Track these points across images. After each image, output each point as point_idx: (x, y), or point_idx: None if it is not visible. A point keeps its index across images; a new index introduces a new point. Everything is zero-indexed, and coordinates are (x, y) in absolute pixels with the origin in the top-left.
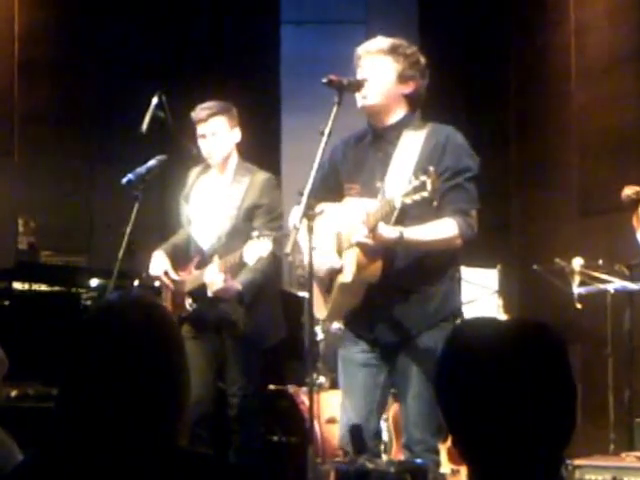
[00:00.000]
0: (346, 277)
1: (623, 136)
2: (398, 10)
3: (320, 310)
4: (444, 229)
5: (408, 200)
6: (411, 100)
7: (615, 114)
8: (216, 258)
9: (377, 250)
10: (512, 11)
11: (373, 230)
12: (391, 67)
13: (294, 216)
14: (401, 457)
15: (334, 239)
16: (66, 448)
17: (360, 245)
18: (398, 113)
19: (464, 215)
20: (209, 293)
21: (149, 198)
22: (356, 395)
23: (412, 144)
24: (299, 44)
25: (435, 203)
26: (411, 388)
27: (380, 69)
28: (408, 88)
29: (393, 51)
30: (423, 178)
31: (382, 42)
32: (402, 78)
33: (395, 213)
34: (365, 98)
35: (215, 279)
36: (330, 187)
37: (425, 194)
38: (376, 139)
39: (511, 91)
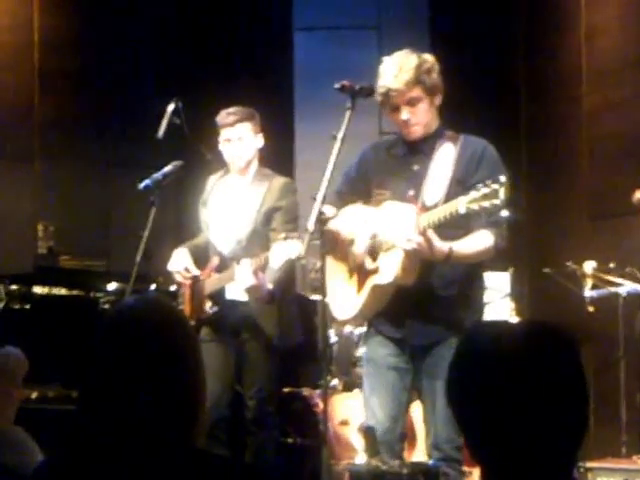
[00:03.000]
0: (383, 279)
1: (634, 139)
2: (410, 16)
3: (343, 311)
4: (483, 242)
5: (475, 206)
6: (439, 107)
7: (625, 117)
8: (247, 259)
9: (423, 255)
10: (523, 15)
11: (423, 234)
12: (423, 94)
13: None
14: (413, 459)
15: (370, 241)
16: (86, 449)
17: (409, 248)
18: (431, 126)
19: (497, 227)
20: (234, 292)
21: (166, 203)
22: (386, 396)
23: (447, 155)
24: (312, 50)
25: (505, 212)
26: (438, 390)
27: (415, 102)
28: (438, 99)
29: (419, 77)
30: (495, 186)
31: (406, 73)
32: (433, 95)
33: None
34: (411, 134)
35: (248, 276)
36: (357, 190)
37: (497, 202)
38: (410, 150)
39: (522, 95)
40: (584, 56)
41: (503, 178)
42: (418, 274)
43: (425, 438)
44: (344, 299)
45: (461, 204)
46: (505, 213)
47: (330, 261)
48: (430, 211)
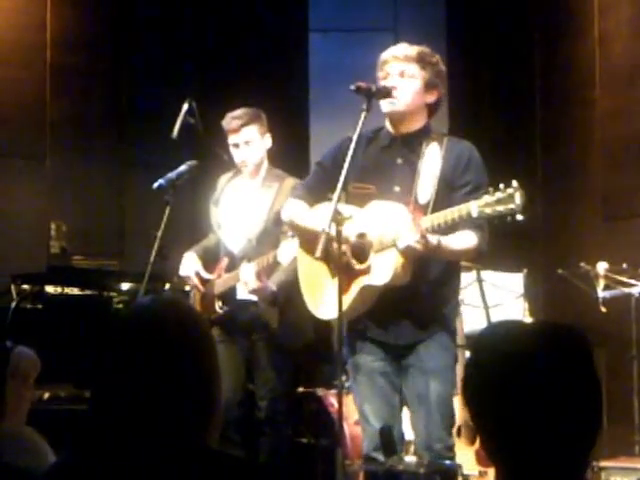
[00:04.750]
0: (377, 279)
1: None
2: (426, 18)
3: (325, 311)
4: (467, 241)
5: (488, 210)
6: (432, 109)
7: (638, 120)
8: (251, 260)
9: (421, 255)
10: (538, 20)
11: (424, 235)
12: (418, 75)
13: (288, 209)
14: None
15: (357, 241)
16: (98, 449)
17: (407, 250)
18: (419, 121)
19: (481, 230)
20: (244, 292)
21: (180, 203)
22: (378, 402)
23: (434, 154)
24: (327, 52)
25: (519, 217)
26: (429, 388)
27: (407, 76)
28: (432, 97)
29: (420, 59)
30: (510, 191)
31: (409, 49)
32: (428, 86)
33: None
34: (393, 104)
35: (251, 278)
36: (332, 183)
37: (512, 206)
38: (394, 145)
39: (537, 98)
40: (597, 60)
41: (516, 183)
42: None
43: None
44: (326, 299)
45: (474, 208)
46: (520, 217)
47: (308, 260)
48: (435, 213)
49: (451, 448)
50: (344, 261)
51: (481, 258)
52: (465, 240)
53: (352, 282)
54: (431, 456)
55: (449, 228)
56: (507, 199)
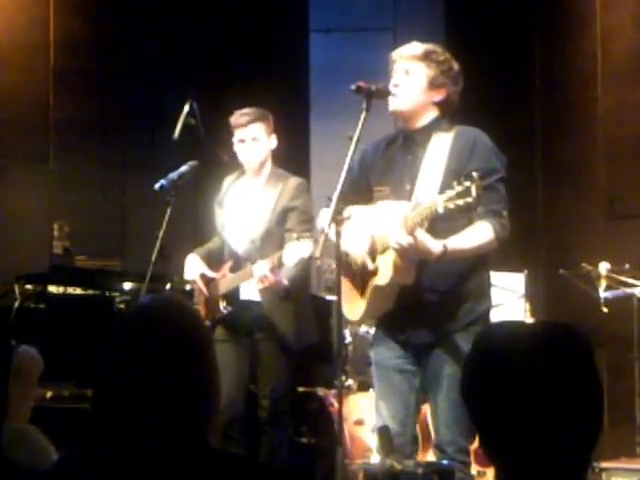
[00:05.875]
0: (381, 280)
1: None
2: (425, 17)
3: (352, 312)
4: (482, 234)
5: (451, 205)
6: (441, 106)
7: None
8: (254, 261)
9: (415, 253)
10: (538, 18)
11: (412, 234)
12: (422, 73)
13: (323, 219)
14: (429, 459)
15: (367, 242)
16: (100, 448)
17: (398, 249)
18: (427, 117)
19: (497, 216)
20: (249, 292)
21: (181, 203)
22: (393, 400)
23: (441, 147)
24: (328, 52)
25: (479, 209)
26: (442, 389)
27: (412, 75)
28: (439, 95)
29: (426, 57)
30: (467, 184)
31: (416, 48)
32: (433, 85)
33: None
34: (395, 103)
35: (266, 274)
36: (359, 190)
37: (469, 200)
38: (406, 142)
39: (538, 97)
40: (599, 58)
41: (475, 174)
42: (416, 272)
43: (424, 440)
44: (351, 301)
45: (439, 203)
46: (480, 210)
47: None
48: (414, 211)
49: (463, 450)
50: (359, 263)
51: (501, 245)
52: (479, 234)
53: (368, 283)
54: (443, 458)
55: (464, 218)
56: (464, 192)
